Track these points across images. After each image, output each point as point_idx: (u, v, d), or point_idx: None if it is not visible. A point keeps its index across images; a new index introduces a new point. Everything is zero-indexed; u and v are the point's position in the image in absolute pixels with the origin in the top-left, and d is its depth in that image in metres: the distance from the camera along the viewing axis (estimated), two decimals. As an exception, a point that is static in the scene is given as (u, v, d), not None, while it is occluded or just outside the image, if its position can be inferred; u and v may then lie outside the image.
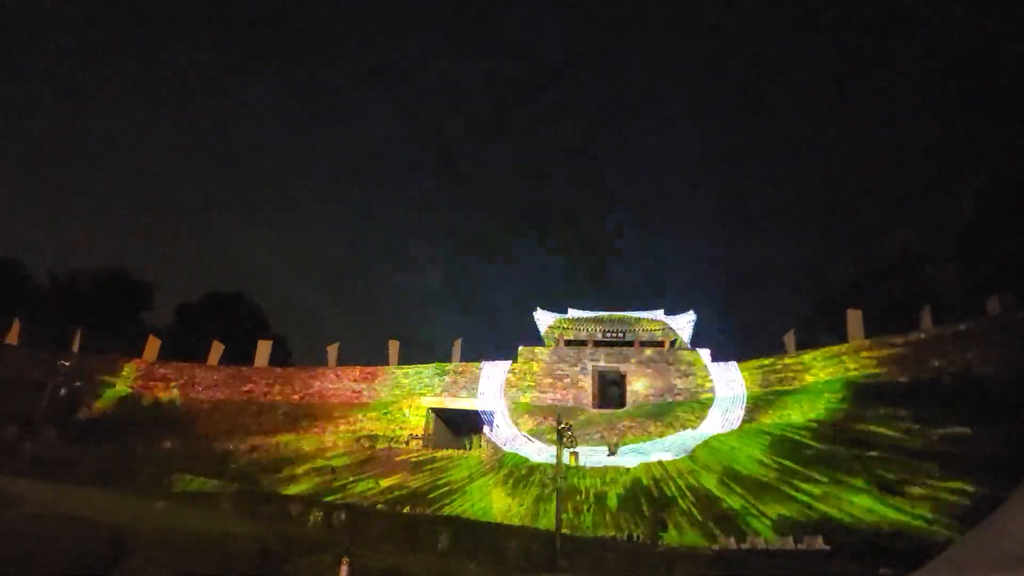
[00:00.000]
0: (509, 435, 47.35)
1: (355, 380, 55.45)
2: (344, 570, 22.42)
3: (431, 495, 38.16)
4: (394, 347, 56.93)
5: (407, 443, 47.83)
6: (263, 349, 58.58)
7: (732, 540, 30.24)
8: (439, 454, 45.02)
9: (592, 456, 41.54)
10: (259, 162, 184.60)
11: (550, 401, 52.17)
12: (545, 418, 48.16)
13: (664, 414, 47.54)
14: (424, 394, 52.65)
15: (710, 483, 36.84)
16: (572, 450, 34.80)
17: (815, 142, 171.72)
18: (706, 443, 41.80)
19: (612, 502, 36.30)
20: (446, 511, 35.62)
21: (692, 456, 40.37)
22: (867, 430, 38.36)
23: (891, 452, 35.69)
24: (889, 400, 41.11)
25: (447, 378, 53.91)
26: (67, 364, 50.77)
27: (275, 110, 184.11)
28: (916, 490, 32.07)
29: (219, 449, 43.76)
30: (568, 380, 53.42)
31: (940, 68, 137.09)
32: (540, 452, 43.15)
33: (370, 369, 56.00)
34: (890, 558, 26.21)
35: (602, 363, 54.27)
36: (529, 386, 53.22)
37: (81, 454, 38.06)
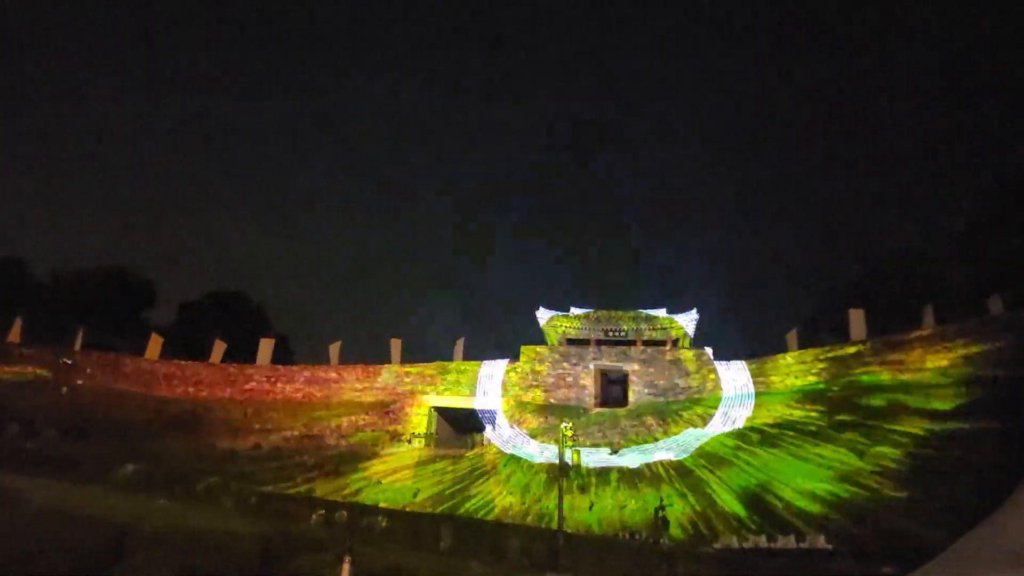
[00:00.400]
0: (510, 434, 47.40)
1: (357, 379, 55.51)
2: (346, 568, 22.45)
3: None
4: (396, 346, 56.96)
5: (409, 441, 47.90)
6: (265, 347, 58.64)
7: (734, 539, 30.26)
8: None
9: (593, 455, 41.55)
10: (262, 160, 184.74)
11: (552, 400, 52.19)
12: (547, 417, 48.18)
13: (666, 413, 47.53)
14: (426, 393, 52.68)
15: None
16: (574, 448, 34.85)
17: (817, 141, 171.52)
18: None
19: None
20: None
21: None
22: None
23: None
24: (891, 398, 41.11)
25: (449, 377, 53.94)
26: (69, 362, 50.95)
27: (278, 109, 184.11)
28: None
29: (221, 447, 43.80)
30: (570, 379, 53.43)
31: (942, 67, 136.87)
32: (542, 452, 43.19)
33: (372, 367, 56.04)
34: (892, 557, 26.20)
35: (604, 362, 54.26)
36: (531, 385, 53.24)
37: (83, 452, 38.11)
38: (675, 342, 57.05)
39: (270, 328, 73.50)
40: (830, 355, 48.92)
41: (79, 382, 51.82)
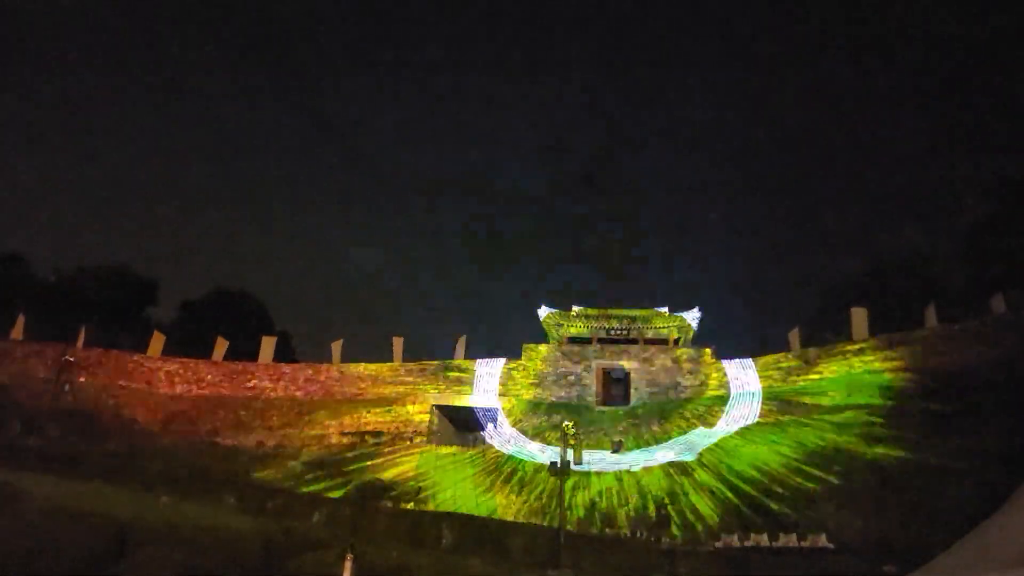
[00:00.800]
0: (511, 433, 47.44)
1: (359, 377, 55.56)
2: (348, 566, 22.51)
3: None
4: (398, 344, 56.99)
5: (411, 440, 47.99)
6: (267, 346, 58.71)
7: (735, 537, 30.28)
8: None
9: (595, 455, 41.46)
10: (265, 158, 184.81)
11: (554, 399, 52.20)
12: (549, 416, 48.22)
13: (669, 412, 47.53)
14: (428, 391, 52.72)
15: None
16: (575, 445, 34.76)
17: (819, 139, 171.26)
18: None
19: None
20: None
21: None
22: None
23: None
24: (894, 397, 41.11)
25: (451, 375, 53.98)
26: (71, 360, 51.04)
27: (281, 107, 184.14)
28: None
29: (223, 445, 43.93)
30: (572, 377, 53.44)
31: (944, 66, 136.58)
32: (543, 450, 43.23)
33: (374, 366, 56.09)
34: (894, 556, 26.23)
35: (606, 360, 54.28)
36: (533, 383, 53.26)
37: (85, 450, 38.23)
38: (677, 341, 57.03)
39: (272, 326, 73.58)
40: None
41: (81, 380, 51.93)
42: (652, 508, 35.17)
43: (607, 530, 32.77)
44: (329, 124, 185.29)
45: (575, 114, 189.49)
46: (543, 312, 59.43)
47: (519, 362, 54.37)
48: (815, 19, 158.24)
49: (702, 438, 43.08)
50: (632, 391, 52.53)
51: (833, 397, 44.04)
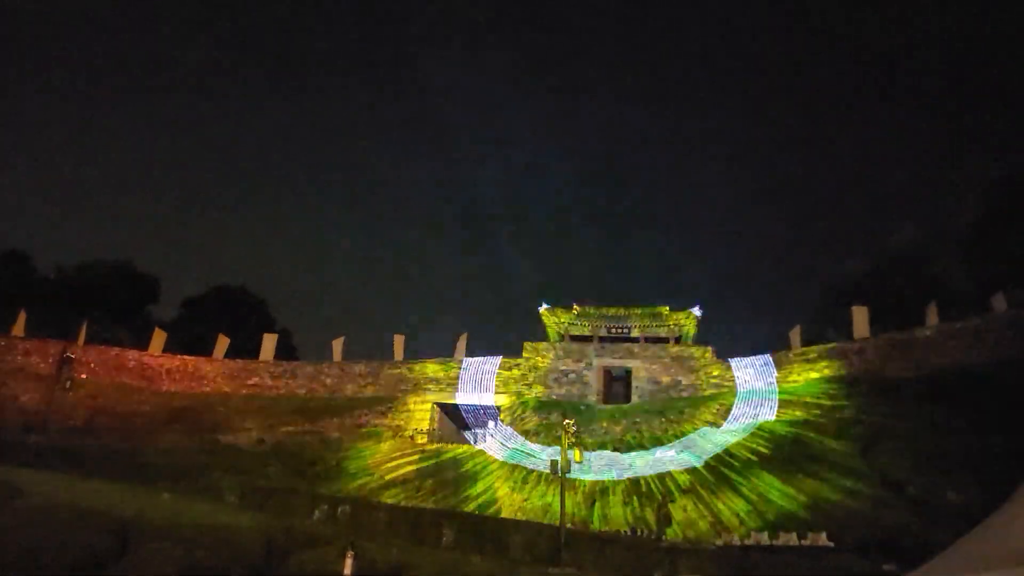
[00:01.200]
0: (511, 431, 47.43)
1: (360, 374, 55.58)
2: (349, 563, 22.52)
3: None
4: (399, 342, 57.03)
5: (412, 437, 48.03)
6: (268, 343, 58.76)
7: (736, 536, 30.29)
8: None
9: (595, 453, 41.36)
10: (266, 155, 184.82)
11: (555, 397, 52.19)
12: (549, 414, 48.20)
13: (670, 410, 47.47)
14: (429, 389, 52.73)
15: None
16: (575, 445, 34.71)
17: (821, 138, 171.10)
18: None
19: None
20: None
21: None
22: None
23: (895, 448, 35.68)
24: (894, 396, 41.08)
25: (451, 373, 53.96)
26: (73, 357, 51.04)
27: (283, 105, 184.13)
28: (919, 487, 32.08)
29: (224, 442, 43.96)
30: (573, 376, 53.43)
31: (946, 64, 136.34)
32: (543, 449, 43.22)
33: (375, 364, 56.12)
34: (894, 555, 26.23)
35: (607, 359, 54.25)
36: (534, 382, 53.24)
37: (86, 447, 38.25)
38: (678, 339, 56.98)
39: (273, 324, 73.58)
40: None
41: (83, 376, 51.96)
42: (653, 506, 35.20)
43: (608, 528, 32.77)
44: (330, 123, 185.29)
45: (578, 113, 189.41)
46: (544, 310, 59.38)
47: (520, 360, 54.34)
48: (816, 19, 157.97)
49: (705, 438, 42.97)
50: (633, 389, 52.51)
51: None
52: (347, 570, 22.38)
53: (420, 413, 50.58)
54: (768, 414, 44.77)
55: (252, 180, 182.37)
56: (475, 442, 47.31)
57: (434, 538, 29.80)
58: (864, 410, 40.77)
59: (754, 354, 52.57)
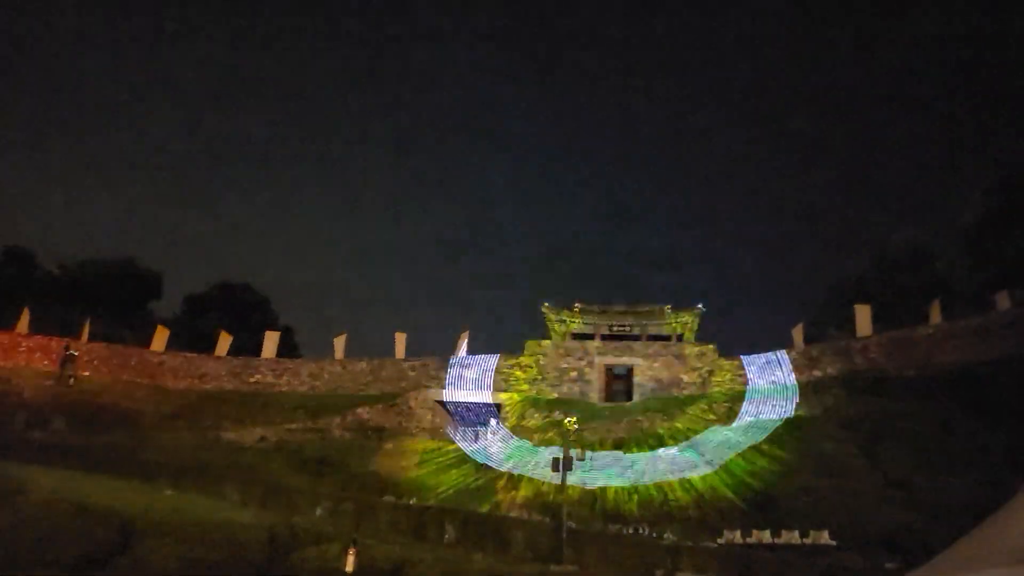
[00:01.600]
0: (513, 428, 47.43)
1: (362, 372, 55.63)
2: (351, 560, 22.59)
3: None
4: (401, 339, 57.03)
5: (413, 435, 48.05)
6: (271, 341, 58.81)
7: (737, 534, 30.26)
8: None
9: (597, 452, 41.10)
10: (268, 152, 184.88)
11: (556, 395, 52.18)
12: (551, 412, 48.19)
13: (672, 408, 47.38)
14: (430, 387, 52.74)
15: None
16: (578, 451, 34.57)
17: (823, 136, 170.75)
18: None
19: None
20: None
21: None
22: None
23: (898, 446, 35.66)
24: (897, 394, 41.03)
25: (453, 371, 53.97)
26: (75, 354, 51.18)
27: (286, 103, 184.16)
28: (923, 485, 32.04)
29: (227, 439, 44.00)
30: (575, 374, 53.40)
31: (950, 62, 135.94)
32: (545, 447, 43.16)
33: (377, 361, 56.15)
34: (896, 552, 26.22)
35: (609, 357, 54.21)
36: (535, 380, 53.23)
37: (89, 443, 38.34)
38: (680, 337, 56.91)
39: (276, 321, 73.62)
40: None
41: (85, 373, 52.09)
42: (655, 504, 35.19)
43: (610, 526, 32.76)
44: (333, 120, 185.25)
45: (581, 111, 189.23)
46: (546, 308, 59.37)
47: (521, 358, 54.34)
48: (818, 17, 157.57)
49: (710, 437, 42.70)
50: (635, 387, 52.47)
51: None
52: (349, 567, 22.46)
53: (421, 411, 50.60)
54: (774, 412, 44.50)
55: (254, 177, 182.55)
56: (476, 440, 47.34)
57: (436, 535, 29.85)
58: (866, 408, 40.71)
59: (756, 352, 52.41)
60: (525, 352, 54.70)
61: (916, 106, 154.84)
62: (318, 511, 31.60)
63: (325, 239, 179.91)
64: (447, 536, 29.77)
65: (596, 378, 53.21)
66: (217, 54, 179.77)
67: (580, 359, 53.89)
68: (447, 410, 52.50)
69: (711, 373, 51.74)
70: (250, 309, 73.85)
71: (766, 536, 29.57)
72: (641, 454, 41.06)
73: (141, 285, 73.31)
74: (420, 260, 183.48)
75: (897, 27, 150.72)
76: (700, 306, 57.99)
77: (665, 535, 30.59)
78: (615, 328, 57.42)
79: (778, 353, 50.83)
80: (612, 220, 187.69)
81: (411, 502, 34.07)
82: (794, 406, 44.51)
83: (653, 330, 56.84)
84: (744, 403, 46.50)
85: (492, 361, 54.16)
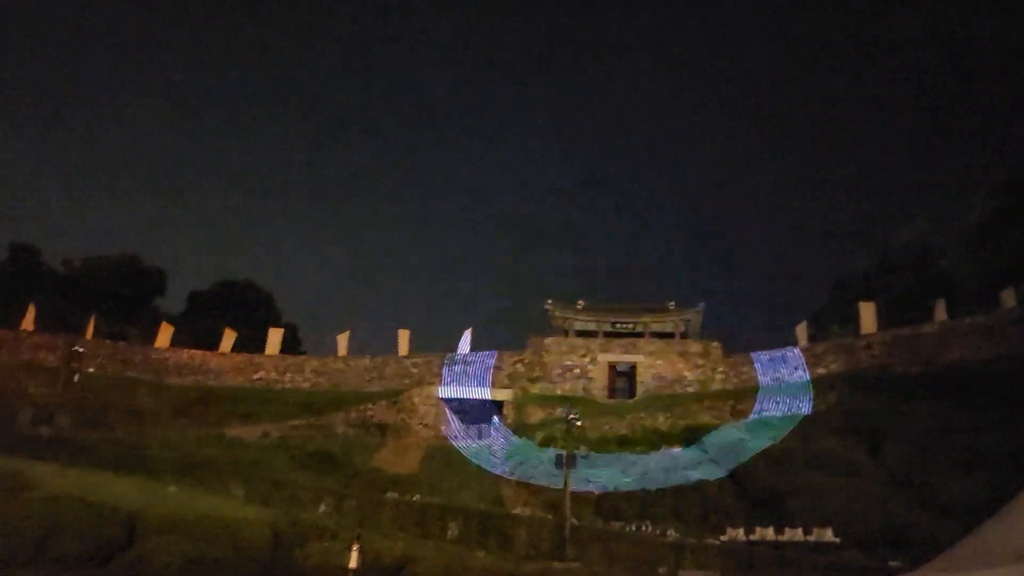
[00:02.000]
0: (516, 425, 47.37)
1: (365, 369, 55.70)
2: (354, 556, 22.62)
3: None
4: (404, 336, 57.09)
5: (416, 431, 48.06)
6: (274, 337, 58.94)
7: (740, 531, 30.23)
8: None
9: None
10: (273, 151, 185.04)
11: (559, 392, 52.14)
12: (554, 408, 48.15)
13: (675, 406, 47.27)
14: (433, 383, 52.75)
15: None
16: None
17: (828, 133, 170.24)
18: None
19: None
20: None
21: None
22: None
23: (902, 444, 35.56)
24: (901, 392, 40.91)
25: (456, 368, 53.98)
26: (81, 350, 51.31)
27: (292, 102, 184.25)
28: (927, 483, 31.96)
29: (231, 435, 44.08)
30: (578, 371, 53.37)
31: (955, 60, 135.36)
32: (548, 443, 43.12)
33: (380, 358, 56.21)
34: (900, 551, 26.15)
35: (612, 354, 54.15)
36: (538, 377, 53.20)
37: (95, 440, 38.46)
38: (684, 334, 56.83)
39: (279, 317, 73.75)
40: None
41: (90, 370, 52.22)
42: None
43: (612, 523, 32.75)
44: (337, 119, 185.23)
45: (583, 111, 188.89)
46: (549, 305, 59.31)
47: (524, 355, 54.31)
48: (824, 14, 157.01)
49: (714, 434, 42.40)
50: (638, 384, 52.43)
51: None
52: (352, 563, 22.49)
53: (424, 408, 50.61)
54: (778, 409, 44.29)
55: (258, 175, 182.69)
56: (479, 437, 47.35)
57: (439, 532, 29.89)
58: (870, 406, 40.58)
59: (760, 349, 52.26)
60: (528, 349, 54.69)
61: (921, 104, 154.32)
62: (321, 507, 31.67)
63: (329, 236, 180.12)
64: (450, 532, 29.80)
65: (599, 375, 53.17)
66: (221, 53, 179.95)
67: (583, 356, 53.86)
68: (450, 407, 52.53)
69: (714, 370, 51.67)
70: (254, 306, 73.99)
71: (769, 533, 29.53)
72: (644, 452, 41.01)
73: (145, 282, 73.47)
74: (424, 257, 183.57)
75: (902, 25, 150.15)
76: (703, 304, 57.93)
77: (668, 532, 30.56)
78: (618, 325, 57.37)
79: (786, 350, 50.71)
80: (617, 218, 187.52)
81: (414, 498, 34.11)
82: (801, 403, 44.34)
83: (656, 327, 56.77)
84: (748, 400, 46.35)
85: (495, 358, 54.16)
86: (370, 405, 50.07)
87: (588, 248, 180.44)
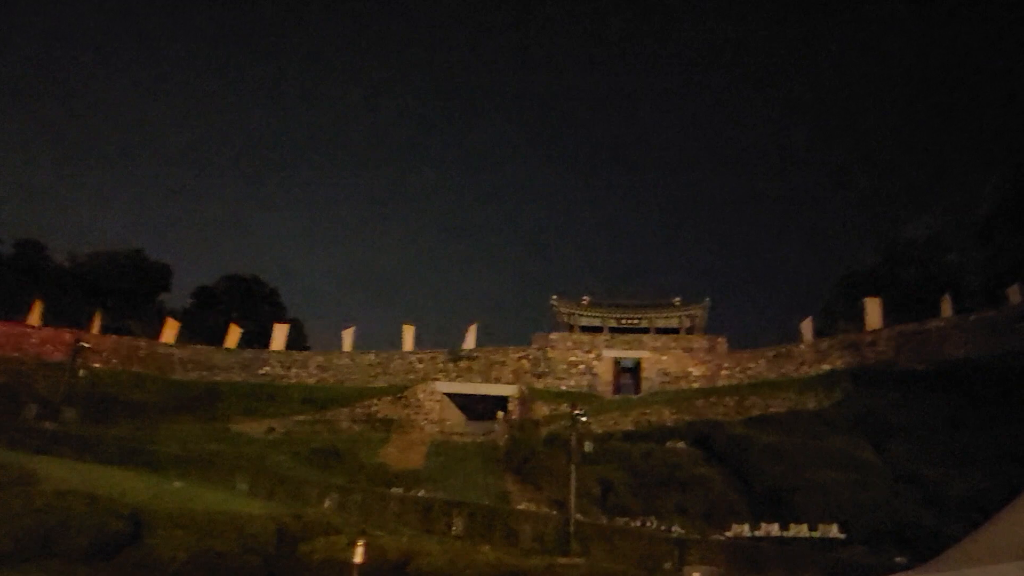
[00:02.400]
0: (521, 421, 47.38)
1: (370, 364, 55.79)
2: (359, 551, 22.62)
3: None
4: (409, 332, 57.15)
5: (421, 427, 48.15)
6: (280, 333, 59.07)
7: (746, 527, 30.18)
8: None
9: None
10: (278, 145, 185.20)
11: (564, 388, 52.14)
12: (559, 404, 48.17)
13: (680, 401, 47.20)
14: (438, 379, 52.83)
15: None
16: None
17: (835, 129, 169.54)
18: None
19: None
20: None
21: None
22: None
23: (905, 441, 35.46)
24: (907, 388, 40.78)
25: (461, 364, 54.02)
26: (87, 345, 51.45)
27: (297, 97, 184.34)
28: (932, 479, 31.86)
29: (235, 431, 44.23)
30: (583, 366, 53.35)
31: (963, 54, 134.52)
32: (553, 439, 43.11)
33: (385, 353, 56.30)
34: (906, 547, 26.08)
35: (617, 350, 54.11)
36: (543, 372, 53.20)
37: (100, 435, 38.61)
38: (690, 330, 56.76)
39: (284, 313, 73.88)
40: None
41: (96, 365, 52.39)
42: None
43: (617, 518, 32.72)
44: (347, 114, 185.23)
45: (590, 105, 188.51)
46: (554, 301, 59.30)
47: (529, 351, 54.32)
48: (829, 3, 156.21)
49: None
50: (643, 380, 52.39)
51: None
52: (358, 558, 22.49)
53: (429, 403, 50.69)
54: (784, 406, 44.18)
55: (264, 170, 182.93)
56: (484, 433, 47.36)
57: (444, 527, 29.92)
58: (876, 402, 40.48)
59: (765, 345, 52.18)
60: (533, 345, 54.69)
61: (930, 97, 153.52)
62: (326, 502, 31.73)
63: (334, 232, 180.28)
64: (455, 528, 29.83)
65: (604, 371, 53.15)
66: (226, 48, 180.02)
67: (588, 352, 53.83)
68: (455, 402, 52.59)
69: (720, 366, 51.59)
70: (259, 301, 74.14)
71: (775, 529, 29.48)
72: (649, 448, 40.95)
73: (151, 277, 73.61)
74: (429, 252, 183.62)
75: (910, 17, 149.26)
76: (708, 299, 57.83)
77: (673, 528, 30.52)
78: (623, 321, 57.35)
79: (791, 346, 50.64)
80: (622, 213, 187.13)
81: (419, 494, 34.16)
82: (806, 399, 44.27)
83: (661, 323, 56.74)
84: (754, 396, 46.21)
85: (500, 354, 54.19)
86: (375, 400, 50.16)
87: (593, 244, 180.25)
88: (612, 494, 35.71)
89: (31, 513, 22.79)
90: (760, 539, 29.01)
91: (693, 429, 42.80)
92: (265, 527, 24.91)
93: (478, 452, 43.30)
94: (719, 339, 53.44)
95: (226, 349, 57.94)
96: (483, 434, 46.87)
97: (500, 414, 48.68)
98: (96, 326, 57.21)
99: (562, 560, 25.96)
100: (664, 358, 52.69)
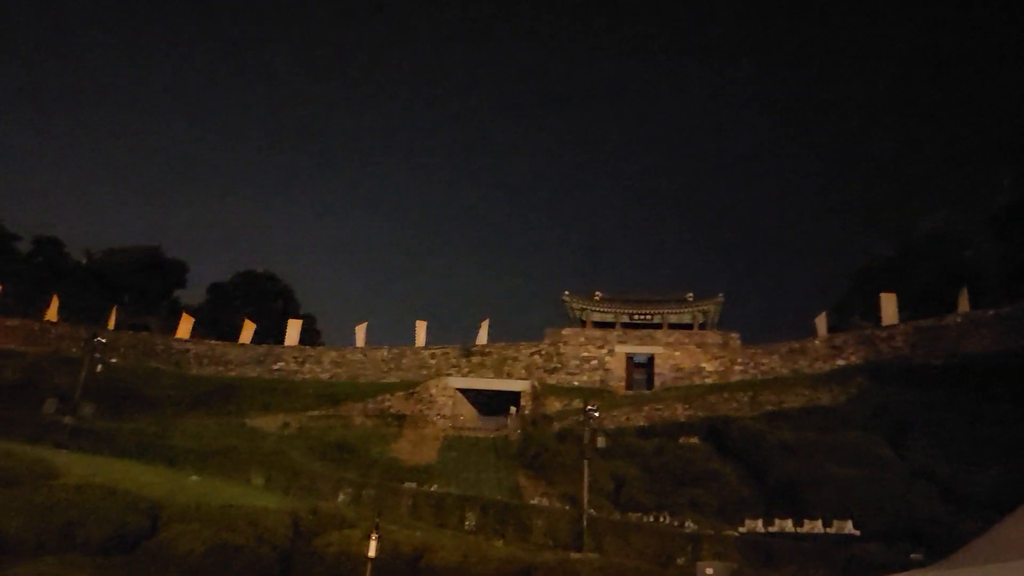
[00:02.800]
0: (532, 417, 47.42)
1: (383, 360, 55.99)
2: (373, 545, 22.73)
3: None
4: (421, 327, 57.29)
5: (434, 422, 48.28)
6: (293, 328, 59.41)
7: (759, 523, 30.12)
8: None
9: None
10: (293, 143, 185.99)
11: (577, 383, 52.09)
12: (571, 400, 48.13)
13: (693, 397, 47.04)
14: (451, 374, 52.94)
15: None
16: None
17: (850, 122, 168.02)
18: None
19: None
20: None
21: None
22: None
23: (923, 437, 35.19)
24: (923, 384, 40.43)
25: (473, 359, 54.09)
26: (103, 341, 51.96)
27: (309, 91, 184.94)
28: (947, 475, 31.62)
29: (251, 426, 44.54)
30: (595, 362, 53.26)
31: (976, 49, 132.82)
32: (564, 436, 43.12)
33: (398, 349, 56.49)
34: (921, 543, 25.92)
35: (629, 345, 53.98)
36: (556, 368, 53.18)
37: (117, 429, 39.01)
38: (703, 326, 56.51)
39: (298, 309, 74.23)
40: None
41: (113, 360, 52.86)
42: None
43: (630, 513, 32.75)
44: (357, 110, 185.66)
45: (602, 101, 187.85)
46: (567, 297, 59.20)
47: (542, 346, 54.29)
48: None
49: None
50: (656, 376, 52.24)
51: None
52: (371, 552, 22.61)
53: (442, 399, 50.82)
54: (798, 401, 43.91)
55: (279, 168, 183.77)
56: (496, 428, 47.44)
57: (457, 521, 30.05)
58: (892, 397, 40.18)
59: (780, 340, 51.79)
60: (545, 340, 54.66)
61: (946, 90, 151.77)
62: (340, 497, 31.96)
63: (348, 229, 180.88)
64: (468, 523, 29.96)
65: (617, 366, 53.03)
66: (241, 51, 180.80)
67: (601, 347, 53.73)
68: (467, 398, 52.69)
69: (733, 362, 51.34)
70: (273, 298, 74.53)
71: (788, 525, 29.40)
72: (662, 444, 40.90)
73: (167, 274, 74.20)
74: (442, 249, 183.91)
75: (925, 10, 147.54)
76: (722, 295, 57.47)
77: (686, 523, 30.50)
78: (636, 317, 57.15)
79: (806, 341, 50.32)
80: (635, 209, 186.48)
81: (432, 488, 34.31)
82: (821, 395, 44.00)
83: (674, 319, 56.50)
84: (767, 392, 45.98)
85: (512, 349, 54.23)
86: (388, 396, 50.36)
87: (606, 239, 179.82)
88: (625, 489, 35.70)
89: (51, 506, 23.10)
90: (774, 535, 28.96)
91: (706, 425, 42.71)
92: (280, 521, 25.12)
93: (491, 447, 43.41)
94: (732, 335, 53.17)
95: (241, 345, 58.35)
96: (495, 429, 46.96)
97: (512, 409, 48.77)
98: (112, 322, 57.79)
99: (575, 555, 26.01)
100: (677, 354, 52.50)
